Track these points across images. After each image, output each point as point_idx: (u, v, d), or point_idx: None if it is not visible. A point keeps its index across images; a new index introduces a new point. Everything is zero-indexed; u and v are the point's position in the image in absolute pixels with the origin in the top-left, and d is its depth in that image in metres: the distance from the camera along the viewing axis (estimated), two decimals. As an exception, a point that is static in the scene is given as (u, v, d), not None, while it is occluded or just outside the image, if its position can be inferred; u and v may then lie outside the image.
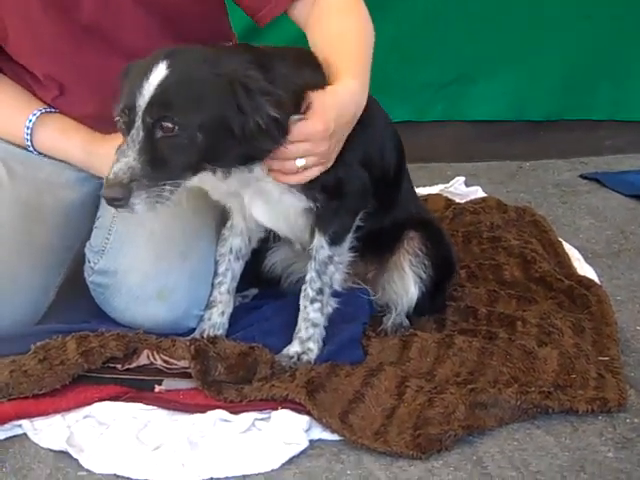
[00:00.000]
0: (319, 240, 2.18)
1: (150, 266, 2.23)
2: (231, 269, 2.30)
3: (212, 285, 2.30)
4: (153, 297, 2.22)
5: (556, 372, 2.12)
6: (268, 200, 2.13)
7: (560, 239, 3.02)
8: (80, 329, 2.16)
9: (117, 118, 1.90)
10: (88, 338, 2.11)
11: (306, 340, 2.18)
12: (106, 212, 2.35)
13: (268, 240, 2.37)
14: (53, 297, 2.36)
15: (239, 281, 2.36)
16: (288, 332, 2.23)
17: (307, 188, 2.06)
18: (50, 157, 2.40)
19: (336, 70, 2.07)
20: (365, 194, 2.21)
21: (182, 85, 1.86)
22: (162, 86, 1.83)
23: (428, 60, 4.21)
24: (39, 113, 2.36)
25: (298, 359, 2.15)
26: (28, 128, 2.35)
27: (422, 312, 2.37)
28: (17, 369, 2.02)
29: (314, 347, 2.18)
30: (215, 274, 2.30)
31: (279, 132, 1.89)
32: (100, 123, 2.36)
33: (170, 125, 1.83)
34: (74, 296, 2.40)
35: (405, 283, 2.31)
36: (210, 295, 2.30)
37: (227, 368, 2.06)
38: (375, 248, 2.35)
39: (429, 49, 4.19)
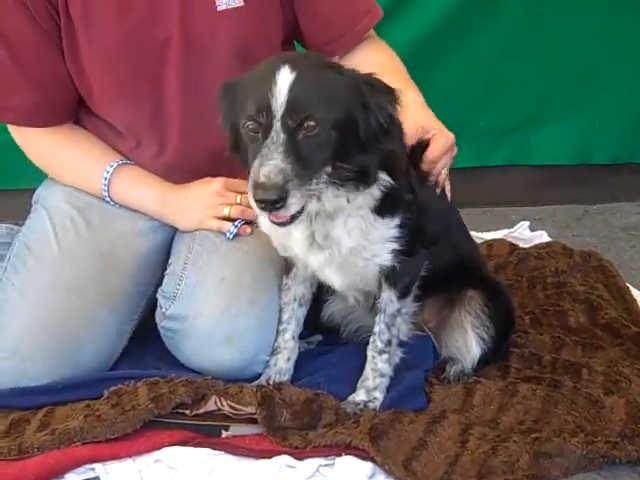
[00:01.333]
0: (388, 295, 2.23)
1: (219, 312, 2.30)
2: (295, 316, 2.36)
3: (277, 332, 2.35)
4: (222, 342, 2.29)
5: (623, 421, 2.10)
6: (349, 269, 2.19)
7: (628, 284, 2.98)
8: (151, 375, 2.23)
9: (248, 124, 1.91)
10: (158, 384, 2.18)
11: (373, 389, 2.22)
12: (178, 259, 2.44)
13: (322, 291, 2.42)
14: (126, 342, 2.45)
15: (304, 328, 2.41)
16: (354, 379, 2.26)
17: (392, 252, 2.14)
18: (125, 207, 2.51)
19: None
20: (432, 245, 2.26)
21: (314, 86, 1.90)
22: (296, 89, 1.86)
23: (491, 104, 4.22)
24: (116, 165, 2.47)
25: (364, 407, 2.18)
26: (105, 179, 2.46)
27: (485, 363, 2.37)
28: (91, 414, 2.11)
29: (380, 396, 2.21)
30: (279, 322, 2.36)
31: (396, 130, 1.98)
32: (167, 171, 2.48)
33: (313, 124, 1.87)
34: (146, 342, 2.49)
35: (467, 343, 2.33)
36: (275, 341, 2.35)
37: (292, 414, 2.11)
38: (435, 293, 2.37)
39: (492, 93, 4.20)
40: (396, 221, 2.14)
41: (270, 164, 1.82)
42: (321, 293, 2.45)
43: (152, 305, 2.46)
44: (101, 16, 2.33)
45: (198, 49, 2.35)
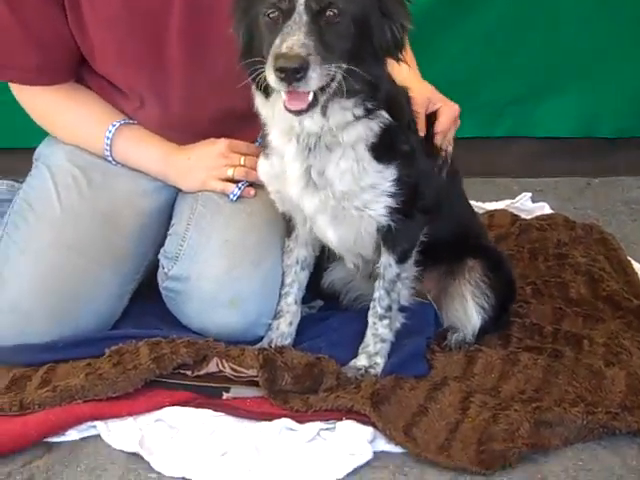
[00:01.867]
0: (387, 259, 2.22)
1: (223, 274, 2.29)
2: (297, 280, 2.36)
3: (279, 295, 2.35)
4: (225, 304, 2.28)
5: (624, 393, 2.11)
6: (343, 221, 2.18)
7: (629, 258, 2.98)
8: (152, 335, 2.23)
9: (269, 11, 1.91)
10: (160, 344, 2.18)
11: (374, 354, 2.22)
12: (181, 220, 2.43)
13: (323, 257, 2.42)
14: (127, 303, 2.44)
15: (306, 292, 2.40)
16: (355, 344, 2.27)
17: (388, 209, 2.13)
18: (128, 167, 2.48)
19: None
20: (432, 208, 2.25)
21: None
22: None
23: (496, 76, 4.19)
24: (118, 124, 2.45)
25: (365, 372, 2.18)
26: (108, 139, 2.44)
27: (486, 332, 2.38)
28: (92, 372, 2.11)
29: (381, 361, 2.21)
30: (282, 285, 2.35)
31: (404, 44, 2.03)
32: (170, 131, 2.46)
33: (335, 12, 1.89)
34: (147, 302, 2.48)
35: (468, 312, 2.33)
36: (277, 305, 2.35)
37: (294, 378, 2.11)
38: (436, 263, 2.37)
39: (497, 65, 4.17)
40: (392, 173, 2.12)
41: (293, 39, 1.84)
42: (323, 260, 2.44)
43: (154, 266, 2.45)
44: None
45: (198, 15, 2.32)
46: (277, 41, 1.86)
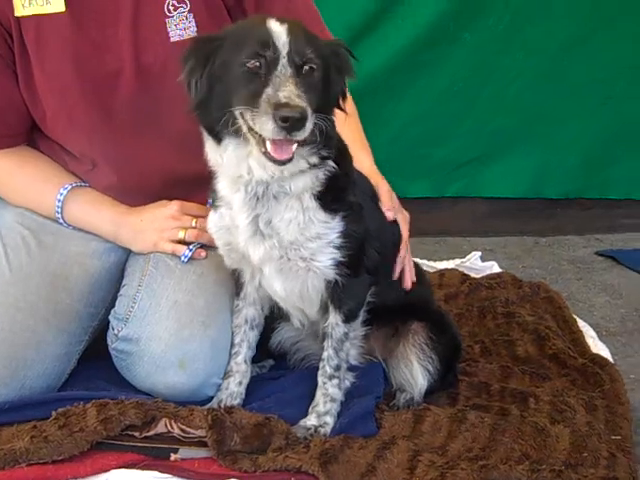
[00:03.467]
0: (334, 318, 2.25)
1: (172, 335, 2.30)
2: (246, 339, 2.36)
3: (229, 355, 2.35)
4: (174, 365, 2.28)
5: (568, 450, 2.13)
6: (290, 273, 2.20)
7: (574, 316, 3.05)
8: (100, 396, 2.21)
9: (250, 61, 1.96)
10: (108, 406, 2.15)
11: (324, 414, 2.23)
12: (132, 281, 2.43)
13: (273, 319, 2.44)
14: (75, 364, 2.42)
15: (255, 352, 2.41)
16: (304, 404, 2.27)
17: (335, 262, 2.16)
18: (79, 229, 2.49)
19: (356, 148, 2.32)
20: (377, 270, 2.29)
21: (306, 35, 2.03)
22: (294, 33, 1.99)
23: (447, 137, 4.32)
24: (70, 187, 2.46)
25: (315, 431, 2.18)
26: (59, 201, 2.45)
27: (433, 392, 2.39)
28: (38, 435, 2.07)
29: (330, 421, 2.22)
30: (231, 344, 2.36)
31: (346, 94, 2.16)
32: (122, 194, 2.48)
33: (314, 66, 2.00)
34: (96, 363, 2.46)
35: (414, 374, 2.35)
36: (227, 365, 2.35)
37: (243, 438, 2.10)
38: (382, 324, 2.40)
39: (448, 126, 4.30)
40: (338, 224, 2.16)
41: (287, 89, 1.91)
42: (272, 320, 2.45)
43: (103, 326, 2.44)
44: (53, 44, 2.33)
45: (150, 80, 2.36)
46: (269, 90, 1.92)
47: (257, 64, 1.96)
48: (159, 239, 2.43)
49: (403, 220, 2.44)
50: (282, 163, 1.98)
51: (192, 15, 2.37)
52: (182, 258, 2.41)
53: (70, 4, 2.32)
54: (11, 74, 2.37)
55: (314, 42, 2.04)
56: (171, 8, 2.36)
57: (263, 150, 1.98)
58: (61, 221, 2.47)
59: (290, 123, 1.88)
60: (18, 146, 2.49)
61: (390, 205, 2.37)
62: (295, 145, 1.97)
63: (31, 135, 2.51)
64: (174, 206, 2.45)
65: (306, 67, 1.98)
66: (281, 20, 2.01)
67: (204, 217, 2.36)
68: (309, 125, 1.91)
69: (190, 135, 2.26)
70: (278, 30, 1.98)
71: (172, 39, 2.36)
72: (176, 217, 2.43)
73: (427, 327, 2.38)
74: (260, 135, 1.95)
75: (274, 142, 1.95)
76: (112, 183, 2.47)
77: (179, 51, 2.29)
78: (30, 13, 2.32)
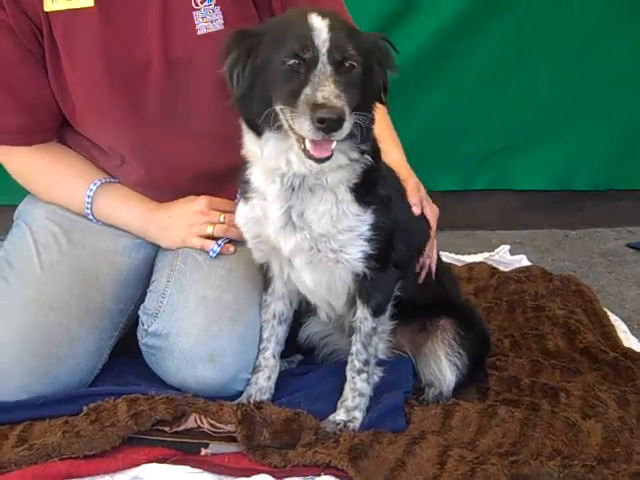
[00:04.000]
0: (362, 312, 2.25)
1: (201, 330, 2.31)
2: (275, 334, 2.37)
3: (258, 350, 2.36)
4: (204, 360, 2.29)
5: (600, 445, 2.11)
6: (319, 265, 2.20)
7: (605, 309, 3.02)
8: (131, 392, 2.23)
9: (289, 61, 1.96)
10: (138, 401, 2.17)
11: (352, 409, 2.22)
12: (161, 276, 2.44)
13: (301, 314, 2.44)
14: (106, 359, 2.45)
15: (285, 347, 2.41)
16: (333, 399, 2.27)
17: (364, 255, 2.16)
18: (108, 225, 2.51)
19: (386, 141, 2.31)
20: (405, 264, 2.29)
21: (348, 32, 2.02)
22: (335, 29, 1.97)
23: (474, 130, 4.29)
24: (99, 183, 2.48)
25: (344, 426, 2.19)
26: (89, 197, 2.47)
27: (462, 387, 2.38)
28: (69, 430, 2.10)
29: (359, 416, 2.22)
30: (260, 339, 2.37)
31: (388, 88, 2.13)
32: (150, 189, 2.49)
33: (354, 62, 1.98)
34: (126, 358, 2.48)
35: (442, 370, 2.34)
36: (256, 360, 2.36)
37: (272, 433, 2.11)
38: (409, 319, 2.39)
39: (476, 119, 4.27)
40: (369, 217, 2.16)
41: (326, 89, 1.91)
42: (300, 315, 2.46)
43: (133, 322, 2.46)
44: (82, 38, 2.35)
45: (178, 73, 2.37)
46: (308, 90, 1.92)
47: (297, 62, 1.96)
48: (188, 234, 2.44)
49: (431, 214, 2.42)
50: (321, 161, 1.98)
51: (219, 8, 2.37)
52: (210, 253, 2.42)
53: None
54: (41, 69, 2.38)
55: (355, 37, 2.02)
56: (198, 1, 2.36)
57: (302, 147, 1.98)
58: (90, 217, 2.49)
59: (327, 124, 1.88)
60: (48, 142, 2.51)
61: (417, 199, 2.36)
62: (335, 143, 1.97)
63: (60, 131, 2.53)
64: (202, 201, 2.45)
65: (346, 64, 1.97)
66: (322, 14, 2.00)
67: (232, 212, 2.36)
68: (347, 125, 1.91)
69: (218, 130, 2.27)
70: (319, 27, 1.97)
71: (199, 32, 2.36)
72: (204, 212, 2.44)
73: (455, 323, 2.36)
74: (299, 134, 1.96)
75: (313, 141, 1.95)
76: (140, 178, 2.48)
77: (206, 44, 2.32)
78: (59, 8, 2.33)
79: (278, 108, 1.99)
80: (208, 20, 2.37)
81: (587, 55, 4.18)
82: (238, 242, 2.40)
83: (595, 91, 4.23)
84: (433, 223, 2.43)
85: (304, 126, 1.90)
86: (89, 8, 2.33)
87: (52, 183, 2.52)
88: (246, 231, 2.28)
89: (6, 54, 2.36)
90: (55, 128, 2.51)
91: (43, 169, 2.52)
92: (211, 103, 2.32)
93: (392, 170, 2.32)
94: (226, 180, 2.39)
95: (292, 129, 1.97)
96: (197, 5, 2.36)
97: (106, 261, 2.47)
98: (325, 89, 1.90)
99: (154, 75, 2.37)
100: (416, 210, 2.35)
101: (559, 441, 2.14)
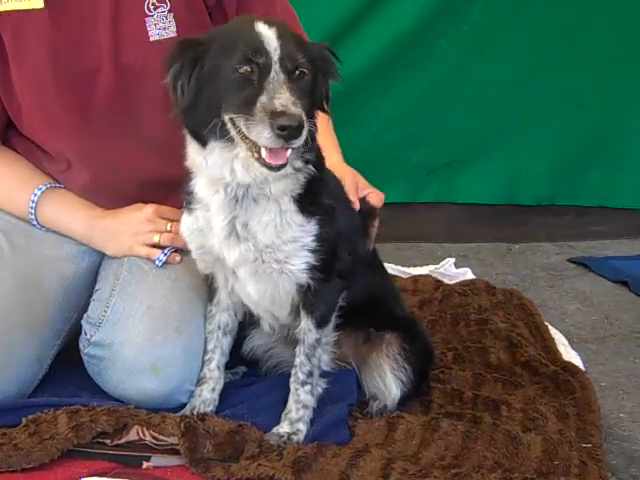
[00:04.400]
0: (306, 323, 2.25)
1: (145, 340, 2.28)
2: (220, 345, 2.35)
3: (202, 362, 2.34)
4: (147, 370, 2.26)
5: (539, 458, 2.14)
6: (263, 275, 2.19)
7: (546, 323, 3.07)
8: (71, 403, 2.19)
9: (243, 67, 1.95)
10: (79, 412, 2.13)
11: (296, 421, 2.22)
12: (105, 285, 2.41)
13: (244, 326, 2.43)
14: (47, 369, 2.40)
15: (228, 359, 2.40)
16: (277, 411, 2.26)
17: (308, 266, 2.16)
18: (52, 231, 2.46)
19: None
20: (349, 274, 2.29)
21: (295, 39, 2.03)
22: (284, 38, 1.97)
23: (421, 143, 4.33)
24: (44, 188, 2.44)
25: (288, 439, 2.18)
26: (33, 202, 2.42)
27: (406, 401, 2.39)
28: (7, 442, 2.05)
29: (303, 428, 2.21)
30: (204, 351, 2.34)
31: (329, 96, 2.15)
32: (97, 195, 2.46)
33: (304, 70, 1.99)
34: (67, 368, 2.43)
35: (387, 385, 2.35)
36: (200, 371, 2.34)
37: (215, 446, 2.09)
38: (353, 329, 2.39)
39: (423, 132, 4.31)
40: (313, 227, 2.15)
41: (283, 97, 1.90)
42: (244, 327, 2.44)
43: (76, 331, 2.42)
44: (31, 40, 2.31)
45: (129, 79, 2.35)
46: (264, 98, 1.91)
47: (249, 69, 1.95)
48: (134, 243, 2.41)
49: (377, 199, 2.44)
50: (277, 169, 1.98)
51: (172, 15, 2.36)
52: (156, 262, 2.39)
53: (49, 0, 2.30)
54: None
55: (303, 46, 2.03)
56: (151, 7, 2.34)
57: (257, 156, 1.97)
58: (34, 222, 2.45)
59: (288, 132, 1.88)
60: None
61: (355, 197, 2.37)
62: (290, 151, 1.97)
63: (5, 134, 2.48)
64: (149, 209, 2.43)
65: (297, 72, 1.97)
66: (269, 23, 2.00)
67: (179, 221, 2.35)
68: (304, 132, 1.90)
69: (167, 138, 2.25)
70: (268, 34, 1.97)
71: (152, 38, 2.35)
72: (151, 220, 2.42)
73: (400, 337, 2.37)
74: (253, 142, 1.94)
75: (269, 149, 1.94)
76: (86, 184, 2.44)
77: (158, 50, 2.28)
78: (8, 9, 2.29)
79: (227, 117, 1.98)
80: (161, 27, 2.35)
81: (532, 70, 4.26)
82: (184, 251, 2.38)
83: (539, 107, 4.32)
84: (379, 204, 2.44)
85: (263, 134, 1.89)
86: (39, 10, 2.29)
87: None
88: (190, 241, 2.26)
89: None
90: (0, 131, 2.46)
91: None
92: (161, 111, 2.30)
93: (336, 178, 2.33)
94: (174, 189, 2.35)
95: (245, 138, 1.96)
96: (150, 11, 2.35)
97: (49, 267, 2.42)
98: (282, 96, 1.90)
99: (104, 80, 2.34)
100: (356, 207, 2.36)
101: (500, 454, 2.16)
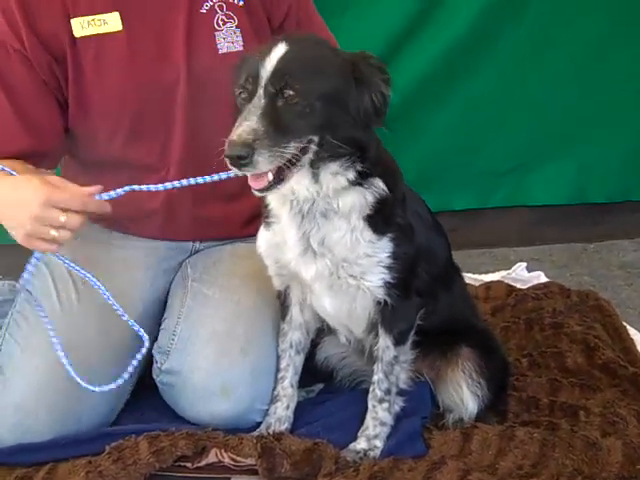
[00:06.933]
0: (384, 341, 2.25)
1: (212, 364, 2.33)
2: (292, 363, 2.38)
3: (276, 380, 2.38)
4: (217, 393, 2.31)
5: (620, 463, 2.10)
6: (339, 290, 2.21)
7: (625, 323, 2.99)
8: (151, 429, 2.25)
9: (239, 91, 2.00)
10: (159, 437, 2.20)
11: (373, 438, 2.23)
12: (171, 314, 2.48)
13: (317, 336, 2.45)
14: (128, 396, 2.48)
15: (306, 376, 2.43)
16: (351, 427, 2.28)
17: (384, 283, 2.16)
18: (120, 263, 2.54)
19: None
20: (426, 292, 2.29)
21: (302, 59, 1.99)
22: (283, 60, 1.95)
23: (488, 147, 4.29)
24: None
25: (364, 455, 2.19)
26: None
27: (484, 415, 2.36)
28: (92, 470, 2.12)
29: (380, 444, 2.22)
30: (278, 369, 2.38)
31: (386, 111, 2.03)
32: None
33: (291, 93, 1.94)
34: (146, 395, 2.51)
35: (464, 400, 2.34)
36: (274, 390, 2.37)
37: (293, 464, 2.12)
38: (429, 347, 2.38)
39: (489, 136, 4.27)
40: (386, 244, 2.15)
41: (245, 124, 1.90)
42: (316, 337, 2.46)
43: (151, 359, 2.48)
44: (112, 60, 2.41)
45: (201, 90, 2.43)
46: (236, 124, 1.93)
47: (245, 95, 1.99)
48: (30, 238, 2.19)
49: None
50: (260, 192, 1.99)
51: (240, 30, 2.46)
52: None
53: (126, 23, 2.40)
54: (54, 100, 2.43)
55: (308, 63, 1.99)
56: (220, 23, 2.45)
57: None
58: None
59: (232, 162, 1.90)
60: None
61: None
62: (270, 175, 1.96)
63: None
64: (41, 199, 2.13)
65: (286, 93, 1.94)
66: (291, 41, 1.98)
67: (77, 211, 2.17)
68: (260, 159, 1.88)
69: None
70: (272, 56, 1.96)
71: (220, 51, 2.45)
72: (41, 217, 2.14)
73: (476, 352, 2.35)
74: None
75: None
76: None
77: (227, 63, 2.30)
78: (89, 34, 2.40)
79: None
80: (229, 41, 2.46)
81: (600, 66, 4.17)
82: (245, 272, 2.43)
83: (607, 102, 4.22)
84: None
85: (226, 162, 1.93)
86: (118, 32, 2.40)
87: None
88: (266, 256, 2.28)
89: (21, 84, 2.39)
90: (58, 158, 2.57)
91: None
92: (229, 119, 2.36)
93: (415, 194, 2.31)
94: (240, 195, 2.44)
95: None
96: (219, 26, 2.45)
97: (122, 295, 2.46)
98: (245, 124, 1.90)
99: (181, 92, 2.43)
100: None
101: (579, 460, 2.12)
